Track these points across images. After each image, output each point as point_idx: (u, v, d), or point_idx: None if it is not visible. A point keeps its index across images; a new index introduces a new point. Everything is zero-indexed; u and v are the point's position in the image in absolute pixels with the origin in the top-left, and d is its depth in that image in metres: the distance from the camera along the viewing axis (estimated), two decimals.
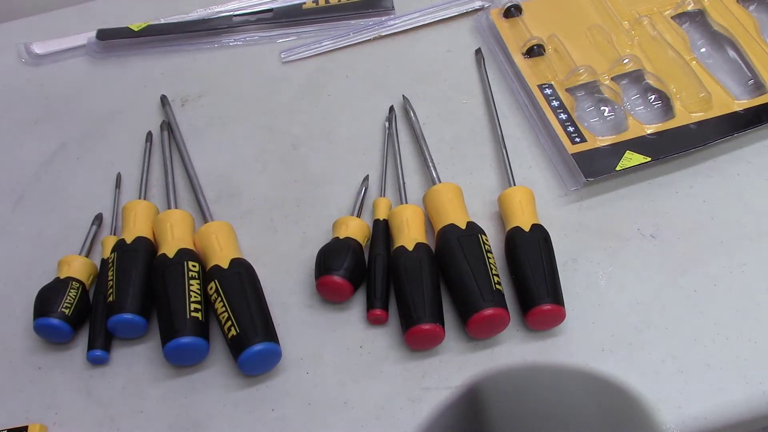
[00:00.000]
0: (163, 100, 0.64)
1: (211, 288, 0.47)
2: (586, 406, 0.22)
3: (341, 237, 0.50)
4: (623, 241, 0.51)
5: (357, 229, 0.51)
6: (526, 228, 0.48)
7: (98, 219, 0.56)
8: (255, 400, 0.46)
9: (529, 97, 0.59)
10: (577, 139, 0.55)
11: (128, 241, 0.50)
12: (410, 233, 0.49)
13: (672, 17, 0.62)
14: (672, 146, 0.54)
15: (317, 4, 0.70)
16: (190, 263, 0.48)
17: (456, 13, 0.68)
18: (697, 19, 0.63)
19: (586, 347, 0.47)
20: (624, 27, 0.62)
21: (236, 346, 0.45)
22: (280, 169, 0.59)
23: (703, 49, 0.61)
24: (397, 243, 0.49)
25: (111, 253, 0.50)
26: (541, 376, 0.23)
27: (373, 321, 0.48)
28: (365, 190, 0.56)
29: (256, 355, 0.44)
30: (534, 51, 0.61)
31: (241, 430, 0.45)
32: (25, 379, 0.49)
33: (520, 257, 0.47)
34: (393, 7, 0.69)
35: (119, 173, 0.59)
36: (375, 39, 0.67)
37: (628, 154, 0.53)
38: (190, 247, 0.50)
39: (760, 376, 0.44)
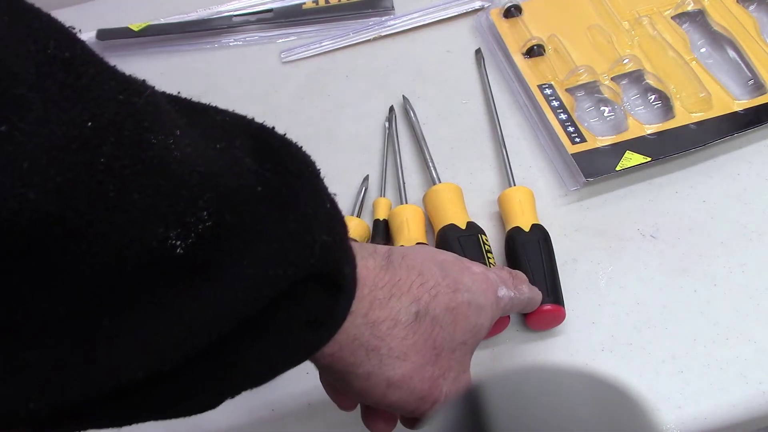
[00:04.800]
0: None
1: None
2: (585, 407, 0.22)
3: None
4: (623, 241, 0.51)
5: (357, 229, 0.51)
6: (526, 228, 0.48)
7: None
8: (254, 400, 0.46)
9: (529, 97, 0.59)
10: (577, 139, 0.55)
11: None
12: (410, 233, 0.49)
13: (672, 17, 0.62)
14: (672, 146, 0.54)
15: (317, 4, 0.70)
16: None
17: (456, 13, 0.68)
18: (697, 19, 0.63)
19: (586, 347, 0.47)
20: (624, 27, 0.62)
21: None
22: None
23: (703, 49, 0.61)
24: (397, 243, 0.49)
25: None
26: (541, 376, 0.23)
27: None
28: (365, 190, 0.56)
29: None
30: (534, 51, 0.61)
31: (241, 429, 0.45)
32: None
33: (520, 257, 0.47)
34: (393, 7, 0.69)
35: None
36: (375, 39, 0.67)
37: (628, 154, 0.53)
38: None
39: (760, 376, 0.44)
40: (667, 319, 0.47)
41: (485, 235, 0.49)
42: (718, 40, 0.61)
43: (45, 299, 0.22)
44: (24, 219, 0.20)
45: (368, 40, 0.67)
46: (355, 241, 0.33)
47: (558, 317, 0.46)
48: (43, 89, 0.21)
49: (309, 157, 0.31)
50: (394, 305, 0.32)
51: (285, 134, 0.30)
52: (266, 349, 0.28)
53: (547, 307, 0.45)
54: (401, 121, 0.61)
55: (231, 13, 0.70)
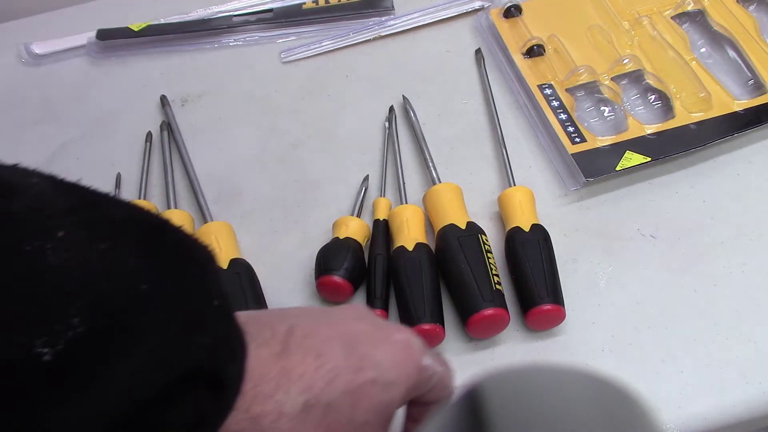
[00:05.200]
0: (163, 100, 0.64)
1: None
2: (586, 407, 0.22)
3: (341, 237, 0.50)
4: (623, 241, 0.51)
5: (357, 229, 0.51)
6: (526, 228, 0.48)
7: None
8: None
9: (529, 97, 0.59)
10: (577, 139, 0.55)
11: None
12: (410, 233, 0.49)
13: (672, 17, 0.62)
14: (672, 146, 0.54)
15: (317, 4, 0.70)
16: None
17: (456, 13, 0.68)
18: (697, 19, 0.63)
19: (586, 347, 0.47)
20: (624, 27, 0.62)
21: None
22: (280, 169, 0.59)
23: (703, 49, 0.61)
24: (397, 243, 0.49)
25: None
26: (541, 376, 0.23)
27: None
28: (365, 190, 0.56)
29: None
30: (534, 51, 0.61)
31: None
32: None
33: (520, 257, 0.47)
34: (393, 7, 0.69)
35: (119, 173, 0.59)
36: (375, 39, 0.67)
37: (628, 154, 0.53)
38: None
39: (760, 376, 0.44)
40: (667, 319, 0.47)
41: (485, 235, 0.49)
42: (718, 40, 0.61)
43: None
44: None
45: (368, 40, 0.67)
46: (270, 311, 0.31)
47: (558, 317, 0.46)
48: None
49: (204, 250, 0.29)
50: (280, 397, 0.31)
51: (181, 227, 0.29)
52: None
53: (547, 307, 0.45)
54: (401, 121, 0.61)
55: (231, 13, 0.70)
